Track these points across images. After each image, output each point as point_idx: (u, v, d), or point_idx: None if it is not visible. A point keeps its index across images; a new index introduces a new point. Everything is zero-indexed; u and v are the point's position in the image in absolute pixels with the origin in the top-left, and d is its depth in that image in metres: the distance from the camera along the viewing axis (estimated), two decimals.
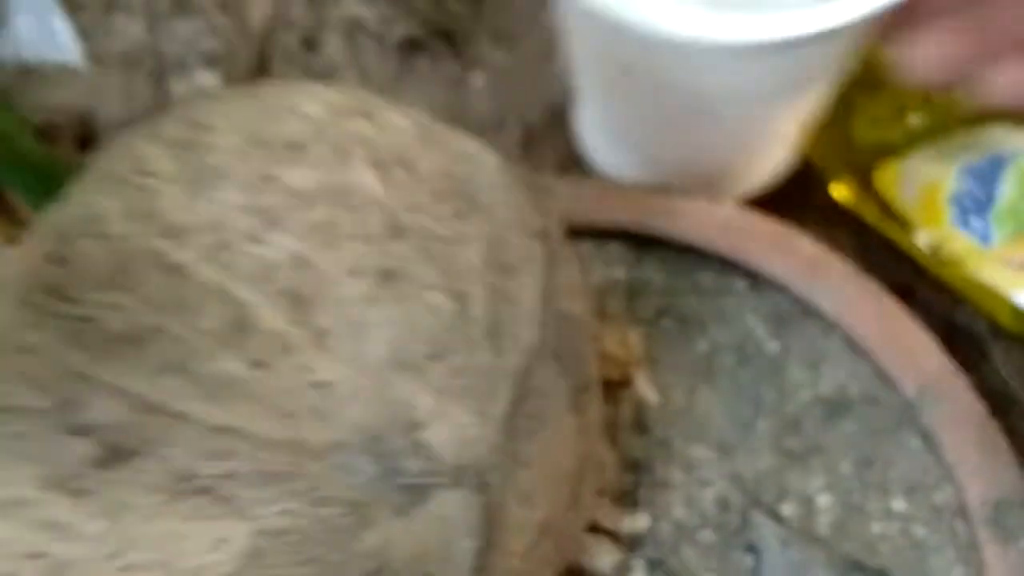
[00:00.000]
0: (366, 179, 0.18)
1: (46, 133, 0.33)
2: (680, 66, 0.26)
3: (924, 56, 0.25)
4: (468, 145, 0.21)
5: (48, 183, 0.19)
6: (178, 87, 0.43)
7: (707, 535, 0.32)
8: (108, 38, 0.44)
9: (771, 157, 0.37)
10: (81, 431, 0.17)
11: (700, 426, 0.33)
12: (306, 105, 0.19)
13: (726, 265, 0.34)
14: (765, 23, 0.23)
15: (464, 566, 0.19)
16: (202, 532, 0.17)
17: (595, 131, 0.38)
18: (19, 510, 0.17)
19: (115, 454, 0.17)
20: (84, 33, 0.44)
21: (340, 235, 0.18)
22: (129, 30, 0.44)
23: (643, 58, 0.26)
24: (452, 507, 0.18)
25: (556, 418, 0.20)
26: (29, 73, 0.42)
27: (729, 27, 0.23)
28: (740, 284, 0.34)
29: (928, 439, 0.31)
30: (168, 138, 0.19)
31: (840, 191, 0.41)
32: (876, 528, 0.31)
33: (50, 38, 0.42)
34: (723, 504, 0.32)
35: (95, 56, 0.43)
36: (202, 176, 0.18)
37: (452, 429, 0.18)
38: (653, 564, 0.31)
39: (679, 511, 0.32)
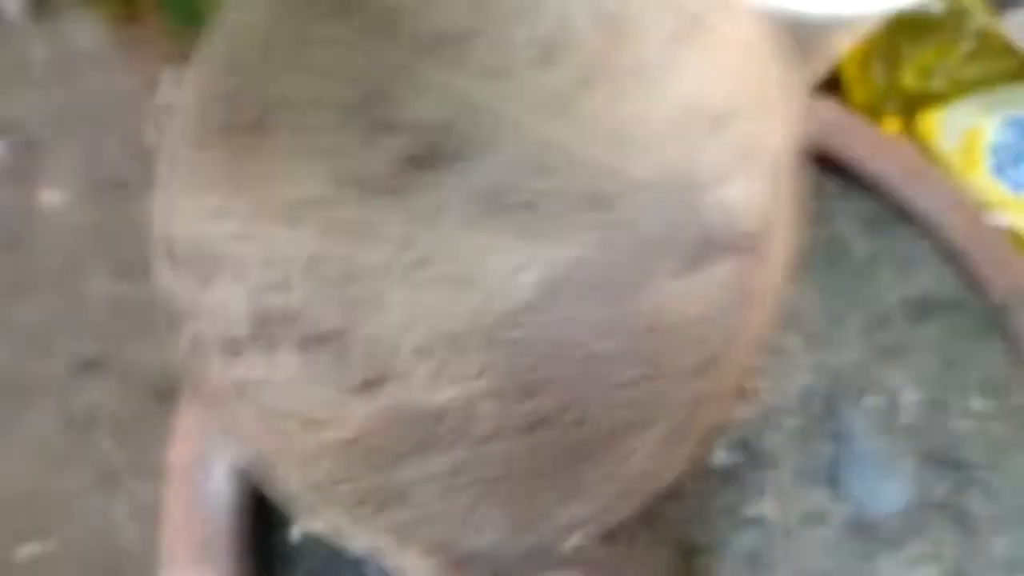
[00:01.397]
0: None
1: None
2: None
3: None
4: None
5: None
6: None
7: (792, 421, 0.32)
8: None
9: None
10: (393, 127, 0.15)
11: (791, 315, 0.33)
12: None
13: (819, 164, 0.34)
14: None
15: (714, 348, 0.18)
16: (509, 252, 0.15)
17: None
18: (307, 210, 0.15)
19: (432, 155, 0.15)
20: None
21: None
22: None
23: None
24: (728, 275, 0.18)
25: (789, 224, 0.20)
26: None
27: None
28: (832, 184, 0.35)
29: (1013, 344, 0.32)
30: None
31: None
32: (957, 425, 0.32)
33: None
34: (809, 392, 0.32)
35: None
36: None
37: (746, 192, 0.17)
38: (737, 445, 0.31)
39: (765, 396, 0.32)
